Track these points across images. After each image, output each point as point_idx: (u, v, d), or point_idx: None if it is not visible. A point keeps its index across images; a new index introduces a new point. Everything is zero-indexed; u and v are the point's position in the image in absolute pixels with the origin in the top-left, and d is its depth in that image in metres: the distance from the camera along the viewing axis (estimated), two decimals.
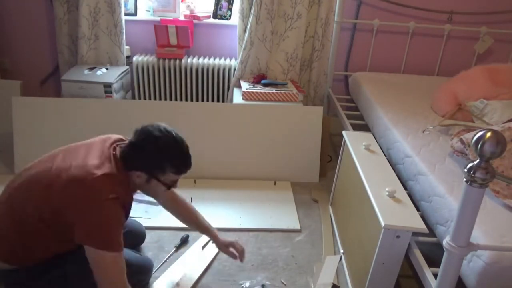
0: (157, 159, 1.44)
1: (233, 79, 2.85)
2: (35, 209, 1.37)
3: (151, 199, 2.23)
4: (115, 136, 1.55)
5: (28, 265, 1.45)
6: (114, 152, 1.45)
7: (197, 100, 2.91)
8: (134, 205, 2.15)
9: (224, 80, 2.89)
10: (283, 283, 1.76)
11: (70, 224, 1.34)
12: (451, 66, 3.04)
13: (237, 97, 2.66)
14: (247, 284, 1.73)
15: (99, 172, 1.35)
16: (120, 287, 1.36)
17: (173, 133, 1.48)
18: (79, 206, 1.32)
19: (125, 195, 1.43)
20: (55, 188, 1.35)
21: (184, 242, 1.95)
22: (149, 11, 2.86)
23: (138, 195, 2.22)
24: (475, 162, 1.03)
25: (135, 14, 2.84)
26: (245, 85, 2.68)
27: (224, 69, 2.85)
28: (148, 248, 1.90)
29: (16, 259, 1.44)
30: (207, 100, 2.92)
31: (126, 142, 1.50)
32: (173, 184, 1.51)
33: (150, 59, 2.79)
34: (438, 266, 1.23)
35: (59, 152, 1.49)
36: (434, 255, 1.66)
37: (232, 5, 2.85)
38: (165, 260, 1.84)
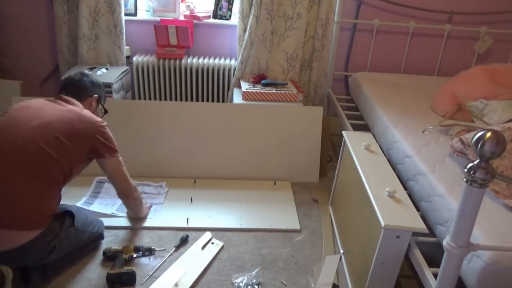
0: (102, 89, 1.96)
1: (233, 79, 2.85)
2: (76, 155, 1.68)
3: (151, 200, 2.23)
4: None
5: (46, 222, 1.57)
6: (61, 99, 1.78)
7: (197, 100, 2.91)
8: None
9: (224, 80, 2.89)
10: (283, 283, 1.76)
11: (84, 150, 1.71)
12: (451, 66, 3.04)
13: (237, 97, 2.66)
14: (242, 280, 1.73)
15: (82, 110, 1.77)
16: (129, 176, 1.87)
17: None
18: (98, 132, 1.73)
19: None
20: (79, 131, 1.68)
21: (184, 242, 1.95)
22: (149, 11, 2.86)
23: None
24: (475, 162, 1.03)
25: (135, 14, 2.84)
26: (245, 85, 2.68)
27: (224, 69, 2.85)
28: None
29: (36, 219, 1.55)
30: (207, 100, 2.92)
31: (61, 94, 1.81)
32: (106, 113, 2.01)
33: (150, 59, 2.79)
34: (438, 266, 1.23)
35: (22, 112, 1.66)
36: (434, 255, 1.66)
37: (232, 5, 2.85)
38: (165, 260, 1.84)
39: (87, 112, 1.77)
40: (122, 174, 1.84)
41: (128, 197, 1.91)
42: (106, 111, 2.00)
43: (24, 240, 1.51)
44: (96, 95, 1.89)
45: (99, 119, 1.78)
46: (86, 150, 1.73)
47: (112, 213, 2.07)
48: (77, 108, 1.75)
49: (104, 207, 2.10)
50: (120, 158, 1.83)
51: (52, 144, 1.59)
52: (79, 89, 1.85)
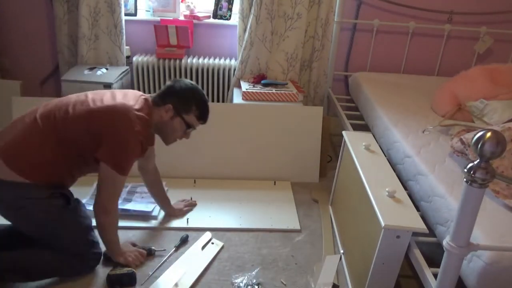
0: (187, 98, 1.74)
1: (233, 79, 2.85)
2: (75, 129, 1.59)
3: (149, 200, 2.22)
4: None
5: (39, 183, 1.57)
6: (144, 97, 1.72)
7: None
8: (133, 205, 2.16)
9: (224, 80, 2.89)
10: (283, 283, 1.76)
11: (97, 144, 1.59)
12: (451, 66, 3.04)
13: (237, 97, 2.66)
14: (242, 280, 1.73)
15: (130, 105, 1.62)
16: (114, 201, 1.67)
17: None
18: (111, 130, 1.58)
19: (147, 135, 1.68)
20: (93, 113, 1.59)
21: (184, 242, 1.95)
22: (149, 11, 2.86)
23: (137, 197, 2.22)
24: (475, 162, 1.03)
25: (135, 14, 2.84)
26: (245, 85, 2.68)
27: (224, 69, 2.85)
28: None
29: (33, 174, 1.56)
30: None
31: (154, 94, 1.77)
32: (191, 127, 1.79)
33: (150, 59, 2.79)
34: (438, 266, 1.23)
35: (84, 93, 1.71)
36: (434, 255, 1.66)
37: (232, 5, 2.85)
38: (165, 260, 1.84)
39: (124, 108, 1.60)
40: (109, 190, 1.64)
41: (102, 216, 1.65)
42: (188, 126, 1.78)
43: (4, 176, 1.52)
44: (169, 105, 1.71)
45: (131, 126, 1.58)
46: (92, 141, 1.59)
47: None
48: (121, 101, 1.63)
49: None
50: (122, 179, 1.63)
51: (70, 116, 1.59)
52: (160, 94, 1.76)
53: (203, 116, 1.79)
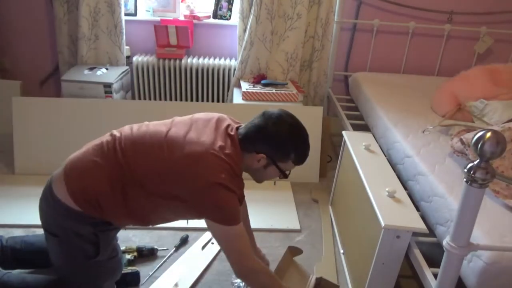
0: (286, 147, 1.44)
1: (233, 79, 2.85)
2: (147, 174, 1.35)
3: None
4: (225, 116, 1.54)
5: (88, 214, 1.37)
6: (231, 133, 1.44)
7: (197, 100, 2.91)
8: None
9: (224, 80, 2.89)
10: None
11: (179, 198, 1.34)
12: (451, 66, 3.04)
13: (237, 97, 2.66)
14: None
15: (217, 152, 1.35)
16: (247, 256, 1.39)
17: (300, 121, 1.49)
18: (195, 184, 1.32)
19: (237, 182, 1.40)
20: (171, 160, 1.35)
21: (184, 242, 1.95)
22: (149, 11, 2.86)
23: None
24: (475, 162, 1.03)
25: (135, 14, 2.84)
26: (245, 85, 2.68)
27: (224, 69, 2.86)
28: None
29: (83, 203, 1.36)
30: (207, 100, 2.92)
31: (243, 124, 1.50)
32: (287, 173, 1.51)
33: (150, 59, 2.79)
34: (438, 266, 1.23)
35: (165, 122, 1.51)
36: (434, 255, 1.66)
37: (232, 5, 2.85)
38: (165, 260, 1.84)
39: (209, 159, 1.33)
40: (233, 250, 1.38)
41: (249, 278, 1.43)
42: (284, 174, 1.51)
43: (59, 193, 1.37)
44: (262, 155, 1.42)
45: (214, 175, 1.31)
46: (168, 193, 1.36)
47: None
48: (211, 145, 1.35)
49: None
50: (237, 230, 1.36)
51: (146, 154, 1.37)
52: (249, 137, 1.43)
53: (301, 161, 1.50)
